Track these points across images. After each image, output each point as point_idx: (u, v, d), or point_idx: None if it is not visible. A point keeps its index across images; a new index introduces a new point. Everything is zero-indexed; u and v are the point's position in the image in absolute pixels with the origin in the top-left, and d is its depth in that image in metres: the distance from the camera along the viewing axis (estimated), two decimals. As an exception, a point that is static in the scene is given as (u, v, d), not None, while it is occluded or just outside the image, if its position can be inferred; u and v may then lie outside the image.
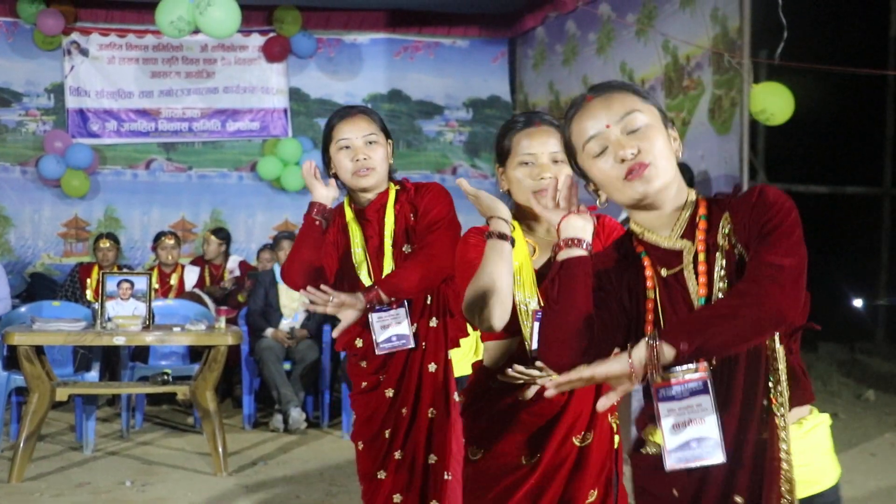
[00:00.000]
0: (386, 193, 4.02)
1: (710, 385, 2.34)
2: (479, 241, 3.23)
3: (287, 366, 8.71)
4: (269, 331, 8.81)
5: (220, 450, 7.09)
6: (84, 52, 11.39)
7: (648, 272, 2.46)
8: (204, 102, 11.66)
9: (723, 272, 2.38)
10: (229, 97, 11.71)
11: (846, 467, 7.60)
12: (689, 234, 2.44)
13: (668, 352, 2.24)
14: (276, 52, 11.62)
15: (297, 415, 8.37)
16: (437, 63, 12.15)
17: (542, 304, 3.16)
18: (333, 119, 4.00)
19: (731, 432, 2.35)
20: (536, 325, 3.14)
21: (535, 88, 11.57)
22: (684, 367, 2.34)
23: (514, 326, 3.16)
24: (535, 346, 3.15)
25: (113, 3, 11.25)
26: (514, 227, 3.24)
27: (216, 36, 8.96)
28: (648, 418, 2.50)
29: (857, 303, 13.56)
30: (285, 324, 8.93)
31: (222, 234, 10.29)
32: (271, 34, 11.63)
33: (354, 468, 7.37)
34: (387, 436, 4.05)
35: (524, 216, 3.30)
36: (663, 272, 2.45)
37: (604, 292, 2.47)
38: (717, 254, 2.39)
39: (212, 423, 7.11)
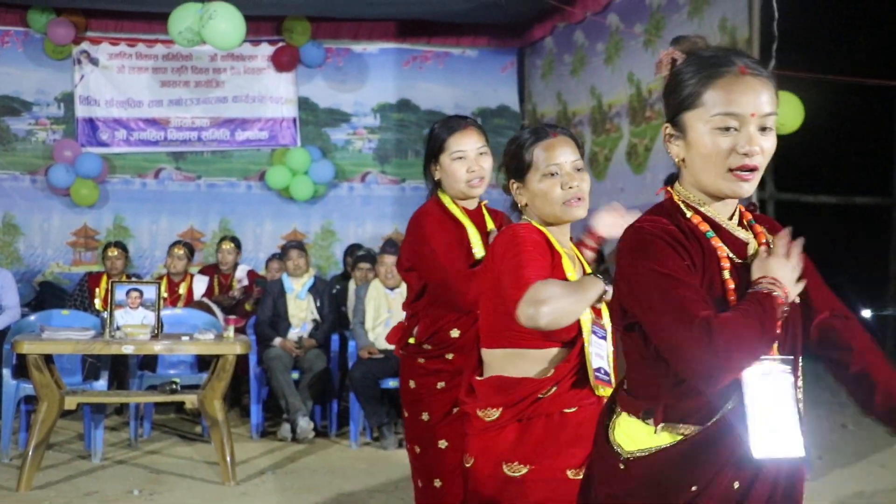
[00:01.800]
0: (481, 207, 4.21)
1: (790, 378, 2.38)
2: (539, 238, 3.24)
3: (295, 375, 8.71)
4: (278, 340, 8.82)
5: (228, 459, 7.09)
6: (94, 62, 11.42)
7: (722, 253, 2.40)
8: (213, 112, 11.68)
9: None
10: (238, 106, 11.73)
11: (855, 479, 7.62)
12: (741, 227, 2.48)
13: None
14: (285, 61, 11.64)
15: (305, 424, 8.37)
16: (446, 73, 12.17)
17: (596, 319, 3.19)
18: (444, 130, 4.14)
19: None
20: (594, 338, 3.15)
21: (544, 98, 11.57)
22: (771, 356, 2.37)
23: (566, 336, 3.13)
24: (594, 362, 3.16)
25: (123, 13, 11.27)
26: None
27: (221, 48, 8.99)
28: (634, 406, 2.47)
29: (866, 313, 13.53)
30: (293, 333, 8.94)
31: (237, 242, 10.30)
32: (280, 44, 11.65)
33: (362, 477, 7.40)
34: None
35: (551, 226, 3.32)
36: (733, 257, 2.42)
37: (690, 268, 2.36)
38: None
39: (220, 432, 7.11)
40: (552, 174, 3.24)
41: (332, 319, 9.10)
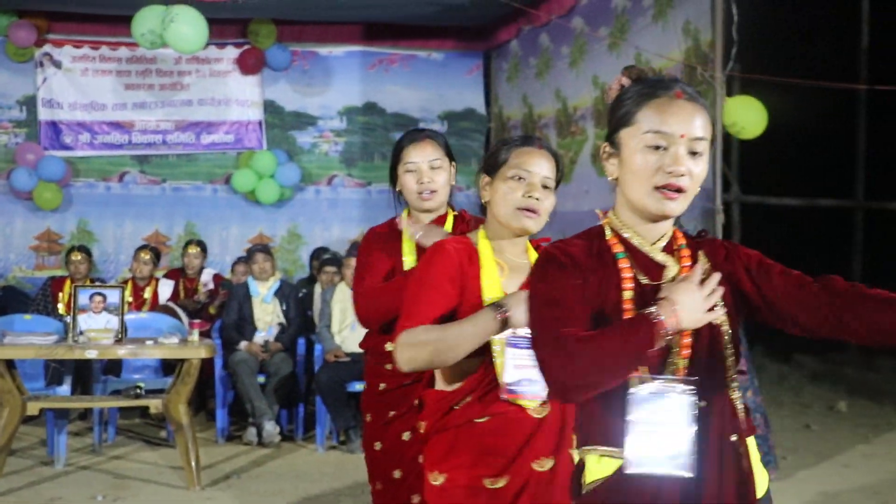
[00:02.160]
0: (444, 217, 4.13)
1: (689, 399, 2.37)
2: (452, 253, 3.23)
3: (261, 379, 8.68)
4: (243, 344, 8.79)
5: (194, 463, 7.07)
6: (57, 64, 11.34)
7: (627, 274, 2.45)
8: (178, 115, 11.62)
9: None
10: (203, 109, 11.67)
11: (819, 479, 7.67)
12: (668, 251, 2.51)
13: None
14: (250, 64, 11.60)
15: (270, 428, 8.35)
16: (413, 76, 12.15)
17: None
18: (403, 141, 4.14)
19: (707, 450, 2.38)
20: (509, 350, 3.14)
21: (510, 101, 11.59)
22: (665, 375, 2.39)
23: (478, 350, 3.13)
24: (507, 376, 3.15)
25: (86, 15, 11.18)
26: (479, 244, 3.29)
27: (183, 51, 8.94)
28: (595, 435, 2.49)
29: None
30: (259, 337, 8.90)
31: (203, 246, 10.26)
32: (246, 47, 11.60)
33: (328, 481, 7.39)
34: (405, 438, 4.01)
35: (497, 234, 3.31)
36: (642, 279, 2.46)
37: (582, 293, 2.43)
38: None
39: (185, 437, 7.08)
40: (519, 178, 3.24)
41: (298, 323, 9.08)
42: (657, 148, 2.40)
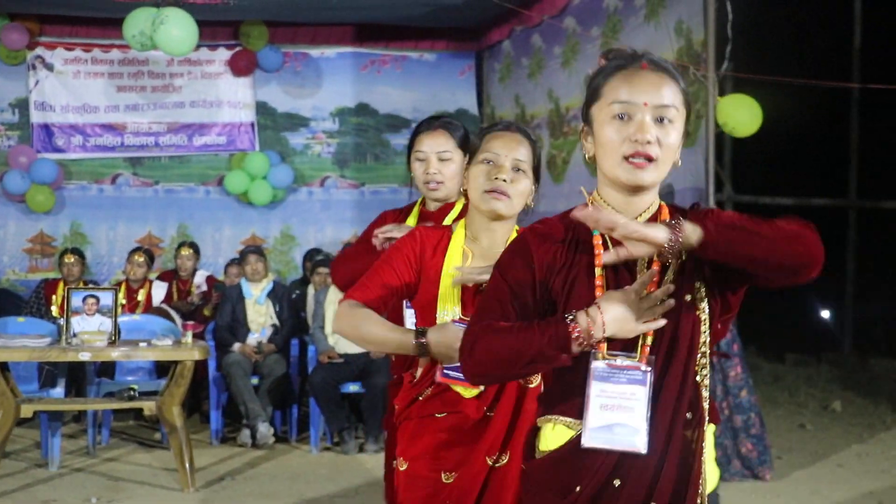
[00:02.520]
0: (452, 205, 4.06)
1: (649, 378, 2.40)
2: (418, 239, 3.30)
3: (255, 380, 8.67)
4: (237, 345, 8.78)
5: (188, 465, 7.05)
6: (49, 67, 11.32)
7: (598, 251, 2.45)
8: (170, 117, 11.61)
9: (672, 276, 2.43)
10: (196, 111, 11.66)
11: (813, 478, 7.67)
12: None
13: (691, 232, 2.29)
14: (242, 66, 11.59)
15: (264, 429, 8.33)
16: (405, 77, 12.15)
17: (463, 316, 3.20)
18: (419, 127, 4.12)
19: (658, 430, 2.40)
20: None
21: (502, 101, 11.59)
22: (627, 354, 2.41)
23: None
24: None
25: (78, 18, 11.17)
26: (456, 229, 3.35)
27: (172, 53, 8.93)
28: (548, 408, 2.54)
29: (825, 314, 13.64)
30: (252, 338, 8.89)
31: (196, 248, 10.24)
32: (238, 48, 11.59)
33: (323, 482, 7.38)
34: None
35: (475, 222, 3.31)
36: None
37: (536, 267, 2.48)
38: (672, 259, 2.43)
39: (178, 439, 7.07)
40: (488, 161, 3.23)
41: (291, 324, 9.06)
42: (622, 118, 2.41)
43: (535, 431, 2.58)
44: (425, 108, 12.05)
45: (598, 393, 2.41)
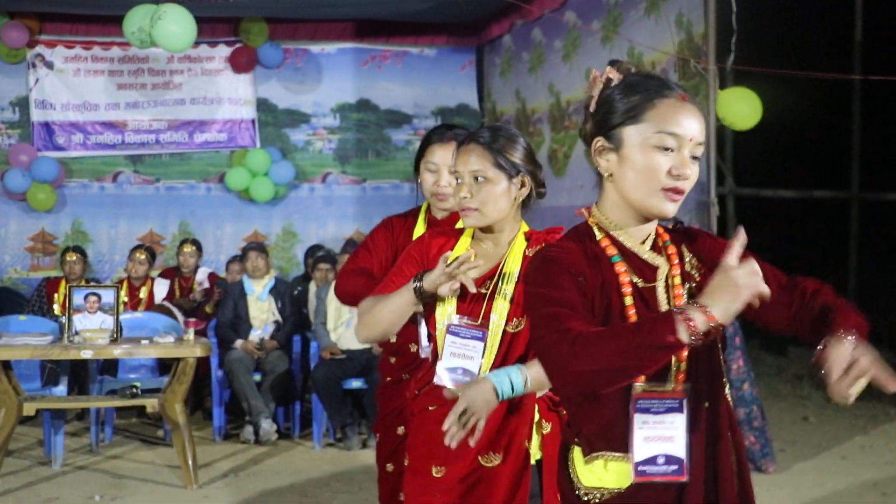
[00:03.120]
0: (454, 217, 4.00)
1: (685, 405, 2.38)
2: (426, 242, 3.34)
3: (257, 377, 8.67)
4: (239, 342, 8.77)
5: (191, 462, 7.06)
6: (49, 65, 11.31)
7: (625, 279, 2.42)
8: (171, 114, 11.60)
9: (690, 294, 2.45)
10: (196, 108, 11.65)
11: (816, 470, 7.64)
12: (655, 250, 2.49)
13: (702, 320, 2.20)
14: (242, 62, 11.58)
15: (267, 426, 8.33)
16: (405, 72, 12.14)
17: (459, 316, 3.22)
18: (432, 136, 4.08)
19: (698, 453, 2.40)
20: (449, 337, 3.21)
21: (503, 96, 11.58)
22: (664, 384, 2.39)
23: (434, 335, 3.27)
24: (444, 362, 3.21)
25: (78, 15, 11.16)
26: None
27: (171, 49, 8.90)
28: (579, 441, 2.50)
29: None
30: (255, 335, 8.89)
31: (198, 245, 10.24)
32: (238, 45, 11.58)
33: (325, 478, 7.39)
34: (399, 432, 4.03)
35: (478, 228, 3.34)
36: (637, 281, 2.44)
37: (583, 295, 2.40)
38: (687, 284, 2.47)
39: (181, 436, 7.07)
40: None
41: (293, 321, 9.06)
42: (665, 149, 2.37)
43: (565, 467, 2.54)
44: (426, 104, 12.07)
45: (640, 425, 2.38)
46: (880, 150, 12.84)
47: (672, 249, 2.50)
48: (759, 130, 7.91)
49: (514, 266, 3.25)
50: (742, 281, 2.17)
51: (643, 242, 2.48)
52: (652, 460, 2.37)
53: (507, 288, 3.21)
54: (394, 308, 3.22)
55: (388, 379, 4.15)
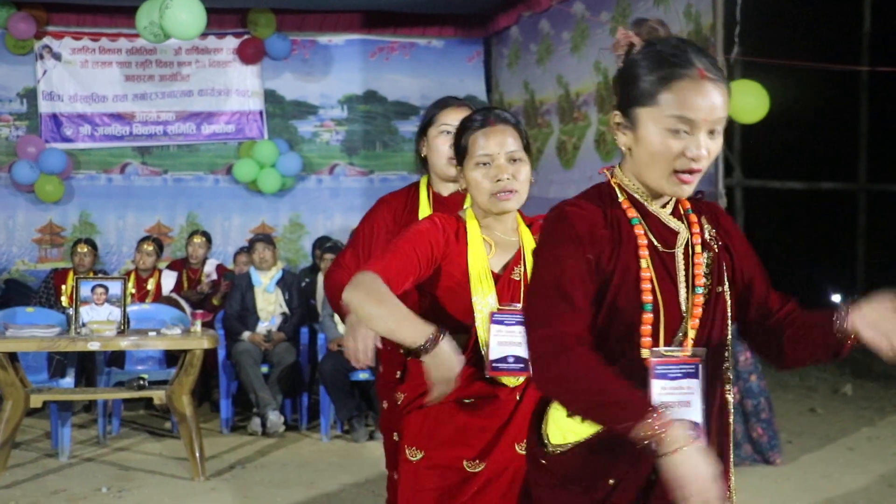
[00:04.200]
0: (459, 195, 3.97)
1: (700, 370, 2.40)
2: (440, 226, 3.19)
3: (264, 369, 8.67)
4: (246, 334, 8.78)
5: (198, 454, 7.06)
6: (57, 57, 11.32)
7: (643, 241, 2.43)
8: (178, 105, 11.60)
9: (707, 269, 2.46)
10: (204, 100, 11.65)
11: (823, 462, 7.64)
12: (676, 215, 2.50)
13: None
14: (250, 54, 11.57)
15: (275, 418, 8.34)
16: (413, 63, 12.13)
17: (501, 306, 3.14)
18: (438, 105, 4.07)
19: (708, 411, 2.44)
20: (494, 327, 3.11)
21: (511, 88, 11.56)
22: (680, 348, 2.40)
23: (462, 326, 3.12)
24: (492, 353, 3.12)
25: (85, 6, 11.16)
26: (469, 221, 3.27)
27: (181, 37, 8.87)
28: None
29: (835, 297, 13.59)
30: (262, 327, 8.89)
31: (208, 236, 10.24)
32: (245, 36, 11.58)
33: (333, 470, 7.39)
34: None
35: (483, 214, 3.27)
36: (658, 246, 2.45)
37: (593, 261, 2.41)
38: (706, 252, 2.48)
39: (189, 428, 7.08)
40: (484, 164, 3.20)
41: (301, 312, 9.06)
42: (678, 132, 2.35)
43: (538, 423, 2.55)
44: (434, 95, 11.91)
45: (658, 391, 2.37)
46: (888, 141, 12.80)
47: (693, 218, 2.51)
48: (768, 122, 7.88)
49: (532, 251, 3.24)
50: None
51: (665, 206, 2.49)
52: None
53: None
54: (403, 338, 2.88)
55: (401, 374, 3.99)
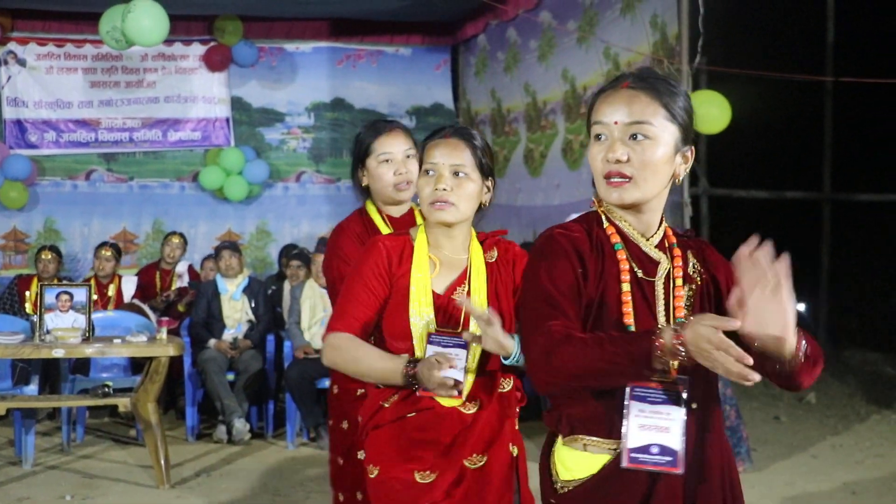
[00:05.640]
0: (412, 212, 4.04)
1: (684, 398, 2.40)
2: (382, 250, 3.23)
3: (230, 376, 8.63)
4: (212, 341, 8.74)
5: (163, 462, 7.03)
6: (21, 63, 11.25)
7: (625, 266, 2.47)
8: (144, 112, 11.56)
9: (688, 302, 2.49)
10: (170, 107, 11.61)
11: (788, 470, 7.67)
12: (661, 248, 2.53)
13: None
14: (217, 61, 11.55)
15: (240, 425, 8.30)
16: (380, 71, 12.14)
17: (440, 327, 3.16)
18: (371, 133, 4.05)
19: (691, 448, 2.42)
20: (430, 347, 3.13)
21: (478, 96, 11.59)
22: (661, 374, 2.38)
23: (400, 347, 3.16)
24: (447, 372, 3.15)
25: (50, 12, 11.10)
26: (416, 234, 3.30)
27: (143, 44, 8.83)
28: (563, 425, 2.52)
29: (799, 306, 13.69)
30: (228, 334, 8.86)
31: (185, 237, 10.18)
32: (212, 43, 11.56)
33: (299, 478, 7.36)
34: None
35: (432, 231, 3.28)
36: (638, 272, 2.48)
37: (581, 276, 2.46)
38: (687, 285, 2.50)
39: (154, 435, 7.04)
40: (427, 172, 3.26)
41: (267, 320, 9.03)
42: (598, 138, 2.45)
43: (546, 460, 2.58)
44: (401, 103, 12.07)
45: (636, 413, 2.39)
46: (852, 151, 12.91)
47: (677, 251, 2.54)
48: (733, 131, 7.93)
49: (480, 271, 3.24)
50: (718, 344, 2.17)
51: (650, 237, 2.53)
52: (645, 449, 2.37)
53: (480, 294, 3.20)
54: (374, 374, 3.15)
55: (362, 391, 3.82)
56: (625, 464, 2.38)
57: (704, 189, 11.70)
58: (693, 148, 2.54)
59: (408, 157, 3.99)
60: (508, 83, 10.71)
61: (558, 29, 9.55)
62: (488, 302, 3.17)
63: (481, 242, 3.30)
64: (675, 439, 2.38)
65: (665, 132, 2.43)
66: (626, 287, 2.45)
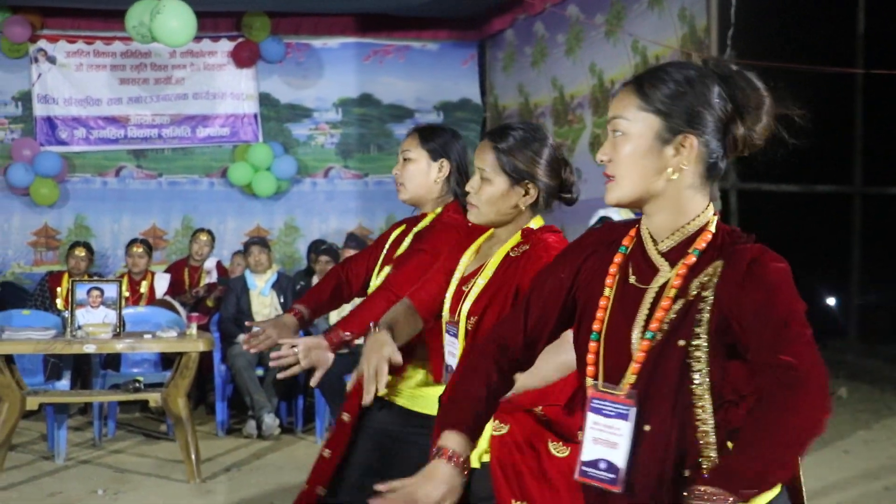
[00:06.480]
0: (423, 218, 3.96)
1: (632, 416, 2.24)
2: (462, 229, 3.43)
3: (260, 372, 8.66)
4: (241, 337, 8.74)
5: (193, 457, 7.05)
6: (51, 60, 11.31)
7: (612, 270, 2.32)
8: (173, 109, 11.60)
9: (671, 318, 2.21)
10: (199, 103, 11.65)
11: (819, 464, 7.64)
12: (675, 255, 2.28)
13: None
14: (245, 57, 11.58)
15: (270, 421, 8.33)
16: (407, 67, 12.14)
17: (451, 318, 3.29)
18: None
19: (643, 473, 2.24)
20: (446, 336, 3.27)
21: (505, 91, 11.57)
22: (619, 387, 2.27)
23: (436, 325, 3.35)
24: (447, 359, 3.28)
25: (80, 10, 11.17)
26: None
27: (170, 44, 8.88)
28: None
29: (830, 301, 13.62)
30: (257, 330, 8.86)
31: (213, 234, 10.23)
32: (240, 40, 11.58)
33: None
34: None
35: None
36: (632, 278, 2.31)
37: (569, 279, 2.44)
38: (681, 300, 2.21)
39: (184, 430, 7.07)
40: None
41: (296, 315, 9.03)
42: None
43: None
44: (428, 98, 12.06)
45: (591, 425, 2.30)
46: (883, 144, 12.83)
47: (691, 260, 2.23)
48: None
49: (492, 266, 3.23)
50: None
51: (661, 241, 2.29)
52: (594, 463, 2.29)
53: (476, 286, 3.21)
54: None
55: None
56: (576, 476, 2.33)
57: (734, 183, 11.65)
58: (694, 136, 2.25)
59: (405, 159, 3.92)
60: (535, 77, 10.69)
61: (586, 23, 9.52)
62: (478, 297, 3.19)
63: (524, 236, 3.24)
64: (620, 456, 2.24)
65: (637, 124, 2.27)
66: (606, 292, 2.31)
